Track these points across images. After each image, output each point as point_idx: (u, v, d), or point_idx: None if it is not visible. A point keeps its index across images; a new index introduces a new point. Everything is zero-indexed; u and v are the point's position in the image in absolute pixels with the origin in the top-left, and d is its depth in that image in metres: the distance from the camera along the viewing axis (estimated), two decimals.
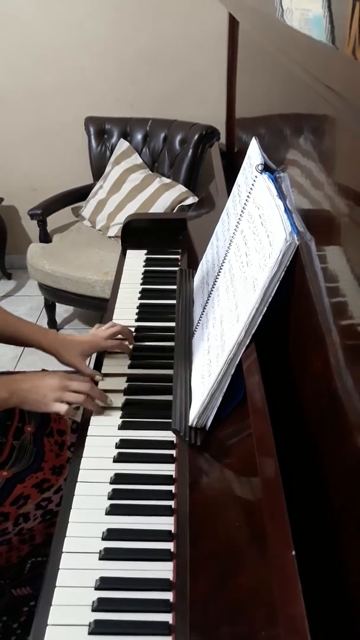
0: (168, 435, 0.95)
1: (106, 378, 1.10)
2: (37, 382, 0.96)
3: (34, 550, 1.10)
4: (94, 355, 1.19)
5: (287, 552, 0.53)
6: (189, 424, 0.90)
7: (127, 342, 1.17)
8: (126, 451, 0.94)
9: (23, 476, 1.03)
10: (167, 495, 0.86)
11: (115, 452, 0.93)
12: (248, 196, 0.94)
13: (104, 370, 1.12)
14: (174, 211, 2.42)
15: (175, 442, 0.94)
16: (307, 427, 0.68)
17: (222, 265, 1.01)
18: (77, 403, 0.97)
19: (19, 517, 1.02)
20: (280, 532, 0.55)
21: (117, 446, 0.95)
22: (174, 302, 1.28)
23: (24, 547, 1.07)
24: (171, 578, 0.75)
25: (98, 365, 1.14)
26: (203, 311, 1.06)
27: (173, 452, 0.93)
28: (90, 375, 1.09)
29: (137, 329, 1.24)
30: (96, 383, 1.09)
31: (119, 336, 1.16)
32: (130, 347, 1.17)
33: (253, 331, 0.78)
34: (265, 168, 0.91)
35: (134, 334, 1.22)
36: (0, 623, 1.15)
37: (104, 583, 0.74)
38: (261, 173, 0.90)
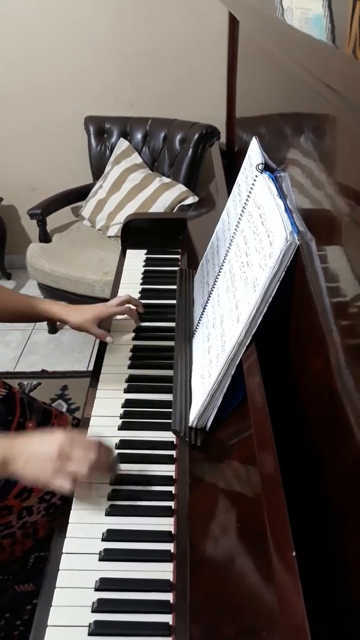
0: (168, 436, 0.95)
1: (106, 378, 1.10)
2: (35, 453, 0.83)
3: (38, 545, 1.10)
4: (94, 355, 1.19)
5: (288, 552, 0.53)
6: (189, 424, 0.89)
7: (135, 310, 1.23)
8: (126, 452, 0.94)
9: None
10: (167, 496, 0.86)
11: (115, 452, 0.93)
12: (248, 196, 0.94)
13: (104, 370, 1.12)
14: (174, 211, 2.41)
15: (175, 442, 0.94)
16: (308, 428, 0.68)
17: (222, 265, 1.01)
18: (71, 487, 0.82)
19: (22, 511, 1.02)
20: (281, 532, 0.55)
21: (117, 447, 0.94)
22: (174, 302, 1.28)
23: (27, 541, 1.08)
24: (171, 579, 0.75)
25: (98, 364, 1.14)
26: (203, 311, 1.06)
27: (173, 452, 0.93)
28: (101, 336, 1.17)
29: (137, 328, 1.24)
30: (96, 382, 1.09)
31: (128, 305, 1.22)
32: (139, 313, 1.24)
33: (253, 331, 0.78)
34: (266, 167, 0.91)
35: (134, 333, 1.22)
36: (3, 620, 1.15)
37: (104, 584, 0.74)
38: (261, 172, 0.90)
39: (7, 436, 0.86)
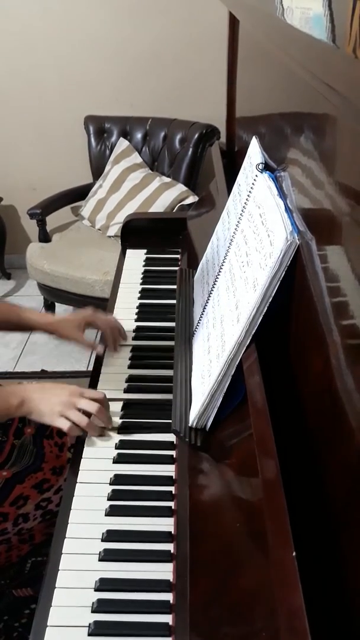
0: (168, 436, 0.95)
1: (106, 378, 1.10)
2: (48, 393, 0.94)
3: (34, 550, 1.10)
4: (94, 355, 1.18)
5: (288, 552, 0.53)
6: (189, 424, 0.89)
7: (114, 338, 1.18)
8: (126, 452, 0.94)
9: (22, 476, 1.03)
10: (167, 496, 0.86)
11: (115, 452, 0.93)
12: (248, 195, 0.94)
13: (104, 370, 1.12)
14: (174, 210, 2.41)
15: (175, 442, 0.94)
16: (308, 427, 0.68)
17: (222, 265, 1.01)
18: (79, 425, 0.93)
19: (18, 517, 1.02)
20: (281, 532, 0.55)
21: (117, 447, 0.94)
22: (174, 302, 1.28)
23: (23, 546, 1.07)
24: (171, 579, 0.74)
25: (98, 365, 1.14)
26: (203, 311, 1.06)
27: (173, 452, 0.93)
28: (90, 345, 1.15)
29: (137, 328, 1.24)
30: (96, 382, 1.09)
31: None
32: (114, 347, 1.17)
33: (253, 331, 0.78)
34: (266, 167, 0.91)
35: (134, 334, 1.22)
36: (1, 623, 1.15)
37: (104, 584, 0.74)
38: (262, 172, 0.90)
39: (22, 384, 0.99)
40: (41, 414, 0.93)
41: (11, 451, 1.03)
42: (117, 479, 0.89)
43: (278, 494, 0.58)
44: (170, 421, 0.94)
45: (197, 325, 1.08)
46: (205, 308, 1.05)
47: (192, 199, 2.42)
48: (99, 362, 1.15)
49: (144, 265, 1.50)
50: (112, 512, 0.84)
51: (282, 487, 0.59)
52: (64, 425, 0.92)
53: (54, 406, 0.92)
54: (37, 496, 1.04)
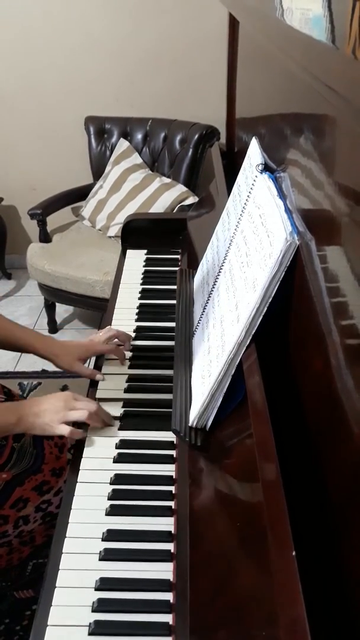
0: (168, 436, 0.95)
1: (106, 378, 1.10)
2: (44, 405, 0.95)
3: (35, 552, 1.10)
4: (93, 358, 1.18)
5: (288, 552, 0.53)
6: (189, 424, 0.89)
7: (123, 347, 1.17)
8: (126, 451, 0.94)
9: (22, 479, 1.03)
10: (167, 495, 0.86)
11: (115, 452, 0.93)
12: (248, 196, 0.94)
13: (104, 370, 1.12)
14: (174, 211, 2.41)
15: (175, 442, 0.94)
16: (308, 427, 0.68)
17: (222, 265, 1.01)
18: (80, 419, 0.95)
19: (18, 520, 1.02)
20: (281, 532, 0.55)
21: (117, 446, 0.95)
22: (174, 302, 1.28)
23: (24, 548, 1.07)
24: (171, 579, 0.75)
25: (98, 366, 1.14)
26: (203, 311, 1.06)
27: (173, 452, 0.93)
28: (90, 375, 1.10)
29: (137, 329, 1.24)
30: (96, 383, 1.09)
31: (116, 341, 1.17)
32: (127, 351, 1.17)
33: (253, 331, 0.78)
34: (266, 168, 0.91)
35: (134, 334, 1.22)
36: (3, 625, 1.15)
37: (104, 584, 0.74)
38: (261, 173, 0.90)
39: (18, 402, 0.99)
40: (42, 427, 0.94)
41: (11, 454, 1.03)
42: (118, 479, 0.89)
43: (278, 494, 0.58)
44: (170, 421, 0.94)
45: (197, 325, 1.08)
46: (205, 308, 1.06)
47: (192, 199, 2.42)
48: (99, 363, 1.15)
49: (144, 266, 1.50)
50: (112, 511, 0.84)
51: (282, 487, 0.59)
52: (65, 430, 0.93)
53: (53, 415, 0.94)
54: (37, 498, 1.04)
